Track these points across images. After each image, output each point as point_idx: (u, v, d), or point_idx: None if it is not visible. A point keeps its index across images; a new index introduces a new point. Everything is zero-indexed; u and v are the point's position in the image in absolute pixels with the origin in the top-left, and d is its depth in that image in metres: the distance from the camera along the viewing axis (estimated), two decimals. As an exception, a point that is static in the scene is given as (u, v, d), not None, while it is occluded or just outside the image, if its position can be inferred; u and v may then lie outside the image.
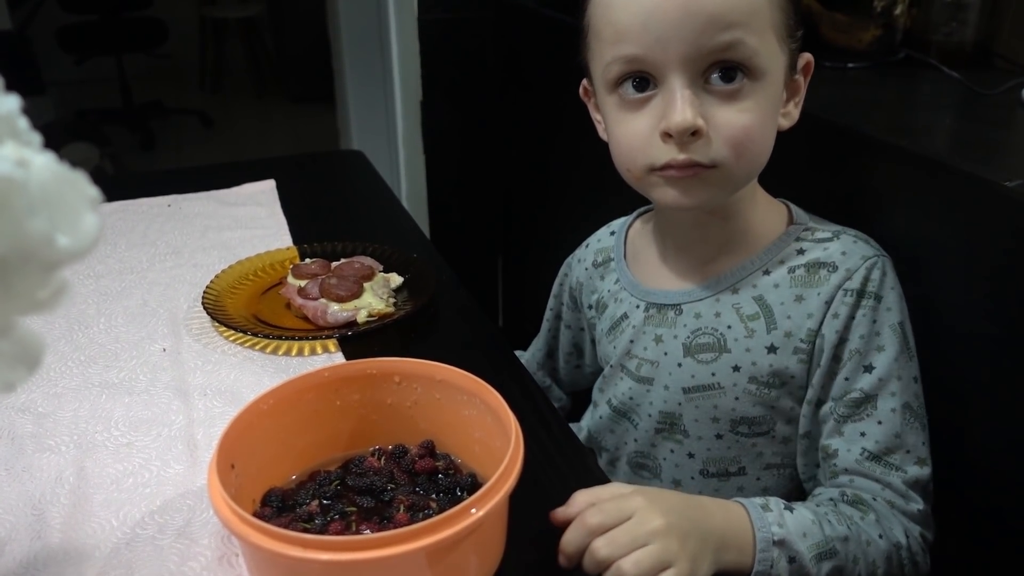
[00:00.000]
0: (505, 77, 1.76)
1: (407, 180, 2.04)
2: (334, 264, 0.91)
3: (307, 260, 0.92)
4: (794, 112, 0.69)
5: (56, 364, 0.78)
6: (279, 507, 0.56)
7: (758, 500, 0.62)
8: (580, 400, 0.94)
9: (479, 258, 2.01)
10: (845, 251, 0.68)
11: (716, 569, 0.57)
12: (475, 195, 1.98)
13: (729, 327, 0.70)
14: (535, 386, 0.74)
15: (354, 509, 0.56)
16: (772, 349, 0.69)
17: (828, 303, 0.67)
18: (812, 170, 0.86)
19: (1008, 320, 0.67)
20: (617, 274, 0.80)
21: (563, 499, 0.59)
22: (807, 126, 0.69)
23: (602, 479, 0.62)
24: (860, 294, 0.67)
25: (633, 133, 0.65)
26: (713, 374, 0.71)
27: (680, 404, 0.73)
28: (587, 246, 0.87)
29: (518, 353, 0.93)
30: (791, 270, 0.69)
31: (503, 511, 0.53)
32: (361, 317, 0.82)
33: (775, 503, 0.62)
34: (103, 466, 0.64)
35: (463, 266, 1.05)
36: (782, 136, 0.68)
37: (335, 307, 0.82)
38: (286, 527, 0.46)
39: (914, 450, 0.66)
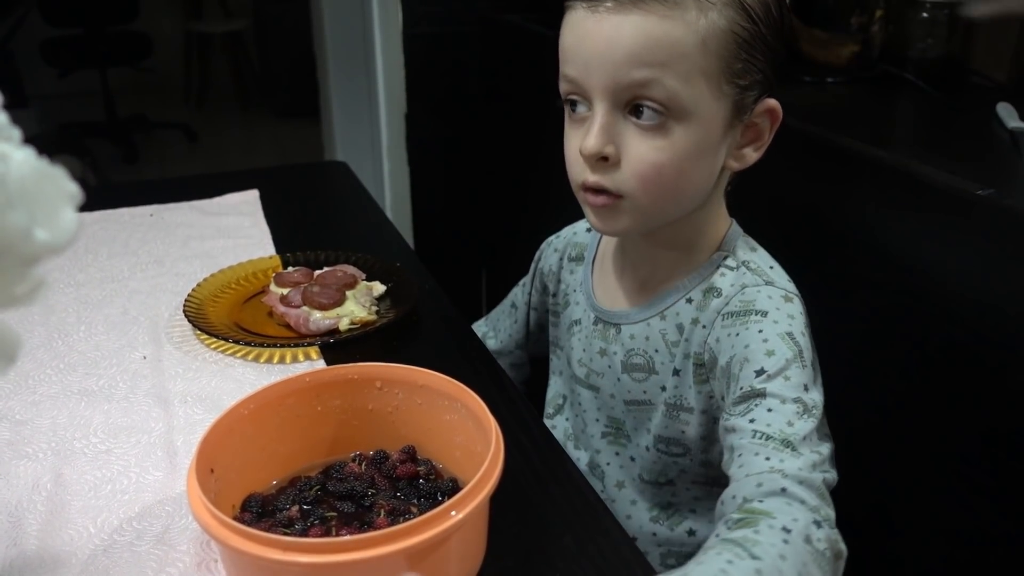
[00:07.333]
0: (489, 90, 1.77)
1: (391, 191, 2.04)
2: (317, 272, 0.90)
3: (290, 268, 0.92)
4: (751, 155, 0.68)
5: (35, 371, 0.77)
6: (259, 512, 0.56)
7: None
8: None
9: (462, 267, 2.01)
10: (734, 282, 0.68)
11: None
12: (459, 206, 1.99)
13: (656, 351, 0.72)
14: (515, 391, 0.74)
15: (334, 514, 0.56)
16: (675, 372, 0.71)
17: (707, 327, 0.68)
18: (793, 182, 0.87)
19: (984, 323, 0.68)
20: (583, 276, 0.82)
21: (542, 503, 0.59)
22: (787, 139, 0.70)
23: (582, 483, 0.62)
24: (736, 314, 0.66)
25: (570, 149, 0.68)
26: (645, 392, 0.74)
27: (623, 412, 0.77)
28: (561, 236, 0.88)
29: (474, 326, 0.94)
30: (701, 293, 0.70)
31: (483, 514, 0.53)
32: (343, 325, 0.82)
33: None
34: (81, 473, 0.63)
35: (446, 275, 1.06)
36: (769, 147, 0.68)
37: (317, 315, 0.82)
38: (266, 532, 0.46)
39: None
